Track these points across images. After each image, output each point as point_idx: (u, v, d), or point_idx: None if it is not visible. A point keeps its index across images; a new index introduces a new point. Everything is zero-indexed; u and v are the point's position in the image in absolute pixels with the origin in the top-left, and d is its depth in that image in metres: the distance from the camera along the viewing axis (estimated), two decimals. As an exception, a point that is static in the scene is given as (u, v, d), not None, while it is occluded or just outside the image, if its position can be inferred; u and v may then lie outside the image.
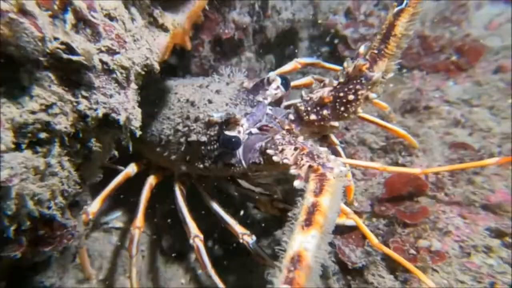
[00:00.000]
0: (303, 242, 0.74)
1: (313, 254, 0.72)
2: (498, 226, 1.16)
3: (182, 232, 1.85)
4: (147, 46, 1.04)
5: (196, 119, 1.42)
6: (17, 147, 0.79)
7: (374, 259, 1.31)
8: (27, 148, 0.81)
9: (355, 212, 1.41)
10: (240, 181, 1.61)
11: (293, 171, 1.08)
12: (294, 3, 2.28)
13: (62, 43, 0.76)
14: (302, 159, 1.09)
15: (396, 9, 0.98)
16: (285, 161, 1.14)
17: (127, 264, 1.74)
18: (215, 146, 1.37)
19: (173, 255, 1.83)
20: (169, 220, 1.81)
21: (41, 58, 0.74)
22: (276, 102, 1.50)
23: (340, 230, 1.47)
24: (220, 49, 2.06)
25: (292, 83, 1.55)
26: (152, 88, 1.64)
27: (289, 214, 0.88)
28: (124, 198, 1.85)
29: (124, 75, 0.89)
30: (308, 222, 0.79)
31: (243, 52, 2.21)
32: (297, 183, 1.03)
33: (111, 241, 1.83)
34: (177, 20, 1.24)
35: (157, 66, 1.08)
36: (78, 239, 1.31)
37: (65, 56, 0.76)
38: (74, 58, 0.77)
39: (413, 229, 1.30)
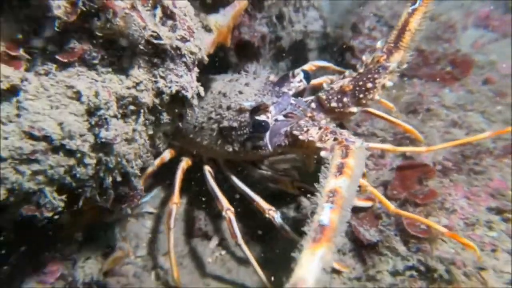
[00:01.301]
0: (337, 183, 0.88)
1: (346, 191, 0.87)
2: (498, 205, 1.35)
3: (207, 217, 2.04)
4: (201, 42, 1.25)
5: (228, 108, 1.61)
6: (116, 118, 0.97)
7: (388, 234, 1.48)
8: (121, 118, 0.99)
9: (369, 199, 1.59)
10: (262, 166, 1.80)
11: (319, 144, 1.27)
12: (306, 16, 2.56)
13: (153, 31, 0.96)
14: (326, 136, 1.28)
15: (410, 7, 1.20)
16: (311, 138, 1.33)
17: (162, 244, 1.90)
18: (245, 131, 1.57)
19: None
20: (203, 199, 1.96)
21: (140, 45, 0.94)
22: (298, 95, 1.71)
23: (355, 211, 1.64)
24: (242, 53, 2.29)
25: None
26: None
27: (320, 175, 1.02)
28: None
29: (192, 59, 1.09)
30: (340, 172, 0.94)
31: (260, 59, 2.45)
32: (323, 154, 1.21)
33: (145, 224, 1.99)
34: (219, 22, 1.47)
35: (206, 58, 1.29)
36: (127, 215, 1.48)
37: (155, 41, 0.96)
38: (161, 42, 0.97)
39: (423, 208, 1.48)
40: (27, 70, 0.86)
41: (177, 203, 1.68)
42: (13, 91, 0.83)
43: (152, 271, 1.86)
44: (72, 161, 0.92)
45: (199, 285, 1.78)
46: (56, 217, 1.00)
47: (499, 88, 2.00)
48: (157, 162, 1.79)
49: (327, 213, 0.75)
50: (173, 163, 1.86)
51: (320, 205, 0.78)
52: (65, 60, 0.89)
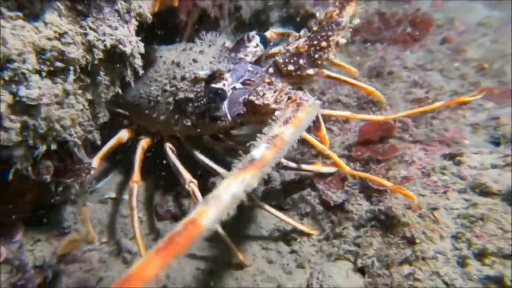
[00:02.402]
0: (280, 130, 0.79)
1: (287, 136, 0.77)
2: (451, 151, 1.33)
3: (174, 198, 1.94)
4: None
5: (183, 78, 1.49)
6: (39, 75, 0.84)
7: (353, 192, 1.44)
8: (46, 77, 0.86)
9: (334, 165, 1.55)
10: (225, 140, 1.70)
11: (273, 106, 1.19)
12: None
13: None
14: (281, 97, 1.20)
15: None
16: (266, 101, 1.25)
17: (128, 229, 1.79)
18: (202, 102, 1.46)
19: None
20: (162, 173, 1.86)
21: None
22: (256, 62, 1.61)
23: (323, 177, 1.59)
24: (199, 24, 2.15)
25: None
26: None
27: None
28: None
29: (125, 9, 0.96)
30: (286, 122, 0.85)
31: (221, 32, 2.32)
32: (277, 113, 1.12)
33: (108, 210, 1.86)
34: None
35: (149, 15, 1.16)
36: (82, 195, 1.35)
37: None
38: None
39: (385, 163, 1.45)
40: None
41: (137, 181, 1.56)
42: None
43: (119, 256, 1.75)
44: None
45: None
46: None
47: (457, 45, 1.99)
48: (113, 142, 1.65)
49: (262, 150, 0.67)
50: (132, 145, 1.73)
51: (257, 145, 0.69)
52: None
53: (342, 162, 1.39)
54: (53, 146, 0.97)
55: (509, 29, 1.99)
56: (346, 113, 1.58)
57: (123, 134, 1.73)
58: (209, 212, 0.54)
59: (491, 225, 0.98)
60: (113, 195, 1.91)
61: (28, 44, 0.80)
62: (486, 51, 1.91)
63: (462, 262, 1.00)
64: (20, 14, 0.80)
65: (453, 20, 2.13)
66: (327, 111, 1.62)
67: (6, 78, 0.79)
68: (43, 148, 0.94)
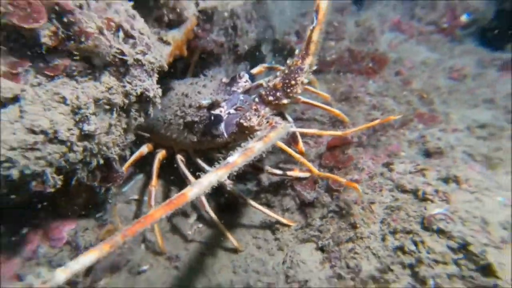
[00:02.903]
0: (253, 145, 1.17)
1: (257, 149, 1.17)
2: (387, 161, 1.71)
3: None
4: (160, 53, 1.54)
5: (190, 106, 1.92)
6: (95, 115, 1.27)
7: (320, 192, 1.83)
8: (99, 116, 1.29)
9: (308, 171, 1.94)
10: (224, 152, 2.11)
11: (257, 127, 1.59)
12: (257, 26, 2.88)
13: (118, 49, 1.25)
14: (262, 121, 1.61)
15: (311, 26, 1.52)
16: (251, 124, 1.66)
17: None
18: (205, 123, 1.87)
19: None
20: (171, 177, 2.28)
21: (107, 59, 1.24)
22: (246, 92, 2.03)
23: (300, 180, 1.98)
24: (206, 60, 2.59)
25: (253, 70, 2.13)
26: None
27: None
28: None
29: (151, 67, 1.39)
30: (260, 139, 1.25)
31: (222, 64, 2.75)
32: (258, 133, 1.53)
33: (132, 209, 2.28)
34: (176, 36, 1.77)
35: (165, 66, 1.59)
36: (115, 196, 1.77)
37: (120, 56, 1.26)
38: (124, 58, 1.27)
39: (343, 170, 1.83)
40: (25, 83, 1.14)
41: (155, 186, 1.98)
42: (15, 99, 1.11)
43: (142, 244, 2.15)
44: (64, 149, 1.21)
45: (181, 250, 2.08)
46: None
47: (406, 78, 2.39)
48: (136, 155, 2.08)
49: (235, 157, 1.05)
50: (151, 157, 2.15)
51: (234, 154, 1.07)
52: (52, 74, 1.17)
53: (313, 168, 1.77)
54: (101, 161, 1.38)
55: (442, 68, 2.41)
56: (314, 131, 1.97)
57: (144, 149, 2.16)
58: (193, 190, 0.92)
59: (402, 212, 1.36)
60: (136, 196, 2.32)
61: (90, 98, 1.23)
62: (424, 84, 2.32)
63: (383, 238, 1.38)
64: (86, 78, 1.23)
65: (403, 59, 2.57)
66: (300, 130, 2.02)
67: (77, 119, 1.22)
68: (94, 163, 1.36)
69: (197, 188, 0.94)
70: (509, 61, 2.59)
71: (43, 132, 1.15)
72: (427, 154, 1.71)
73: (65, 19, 1.08)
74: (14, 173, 1.13)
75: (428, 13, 2.94)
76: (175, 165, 2.09)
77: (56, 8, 1.05)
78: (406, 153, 1.77)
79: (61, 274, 0.74)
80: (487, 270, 1.14)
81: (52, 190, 1.25)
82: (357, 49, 2.58)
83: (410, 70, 2.48)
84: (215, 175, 0.96)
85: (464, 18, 2.66)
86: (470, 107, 2.28)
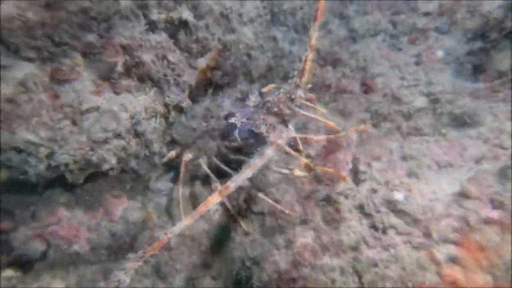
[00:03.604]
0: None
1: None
2: (368, 161, 2.05)
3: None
4: (190, 76, 2.00)
5: (211, 117, 2.35)
6: (145, 120, 1.71)
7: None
8: (147, 119, 1.73)
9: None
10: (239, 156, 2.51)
11: (265, 134, 1.99)
12: (267, 56, 3.36)
13: (164, 74, 1.71)
14: (269, 129, 2.01)
15: (304, 54, 1.93)
16: (261, 131, 2.05)
17: (175, 212, 2.58)
18: (223, 131, 2.29)
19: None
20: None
21: (155, 79, 1.70)
22: (256, 106, 2.44)
23: (299, 178, 2.33)
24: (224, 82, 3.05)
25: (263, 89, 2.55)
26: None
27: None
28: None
29: (184, 86, 1.83)
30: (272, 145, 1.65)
31: (238, 84, 3.21)
32: (267, 139, 1.92)
33: (163, 201, 2.66)
34: (201, 63, 2.24)
35: (193, 84, 2.04)
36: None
37: (163, 77, 1.71)
38: (167, 78, 1.72)
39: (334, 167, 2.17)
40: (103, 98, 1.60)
41: (182, 183, 2.39)
42: (97, 108, 1.57)
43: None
44: (123, 143, 1.65)
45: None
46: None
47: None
48: (168, 156, 2.50)
49: (256, 160, 1.45)
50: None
51: (254, 158, 1.47)
52: (118, 91, 1.63)
53: (308, 162, 2.12)
54: (147, 153, 1.81)
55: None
56: (309, 135, 2.34)
57: (173, 153, 2.59)
58: (232, 184, 1.32)
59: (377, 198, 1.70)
60: (166, 192, 2.73)
61: (142, 107, 1.68)
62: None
63: (360, 218, 1.71)
64: (140, 93, 1.69)
65: (389, 83, 2.92)
66: (300, 135, 2.39)
67: (133, 122, 1.66)
68: (143, 153, 1.79)
69: (233, 183, 1.35)
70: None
71: (111, 131, 1.59)
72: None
73: (131, 54, 1.55)
74: (94, 158, 1.57)
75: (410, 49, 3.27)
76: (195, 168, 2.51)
77: (127, 47, 1.52)
78: (386, 158, 2.11)
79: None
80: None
81: (115, 173, 1.68)
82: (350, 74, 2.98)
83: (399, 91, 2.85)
84: (244, 173, 1.36)
85: (440, 53, 2.94)
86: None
